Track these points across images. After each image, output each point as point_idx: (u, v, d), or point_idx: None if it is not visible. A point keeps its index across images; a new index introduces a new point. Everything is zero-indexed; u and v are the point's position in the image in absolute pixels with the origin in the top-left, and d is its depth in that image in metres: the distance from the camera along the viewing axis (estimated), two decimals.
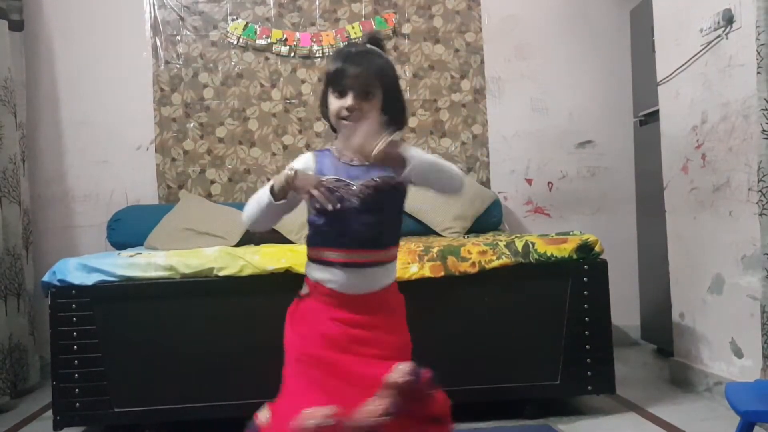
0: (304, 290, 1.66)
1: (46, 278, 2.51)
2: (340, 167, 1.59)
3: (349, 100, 1.55)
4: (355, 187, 1.55)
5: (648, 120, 3.60)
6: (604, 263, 2.63)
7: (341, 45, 3.90)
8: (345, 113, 1.56)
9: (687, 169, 2.96)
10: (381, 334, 1.59)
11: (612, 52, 4.03)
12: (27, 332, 3.41)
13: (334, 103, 1.59)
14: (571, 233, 2.75)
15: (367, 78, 1.56)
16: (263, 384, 2.51)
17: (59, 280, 2.49)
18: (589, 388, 2.61)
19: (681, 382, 3.00)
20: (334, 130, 1.64)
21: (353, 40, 1.68)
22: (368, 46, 1.65)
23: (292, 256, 2.53)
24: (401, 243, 2.78)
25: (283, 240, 3.28)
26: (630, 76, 3.92)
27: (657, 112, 3.26)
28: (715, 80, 2.73)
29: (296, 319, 1.65)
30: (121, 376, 2.48)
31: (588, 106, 4.05)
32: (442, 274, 2.53)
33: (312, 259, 1.63)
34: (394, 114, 1.62)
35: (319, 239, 1.61)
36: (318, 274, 1.60)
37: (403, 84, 3.95)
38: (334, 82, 1.58)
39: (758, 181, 2.43)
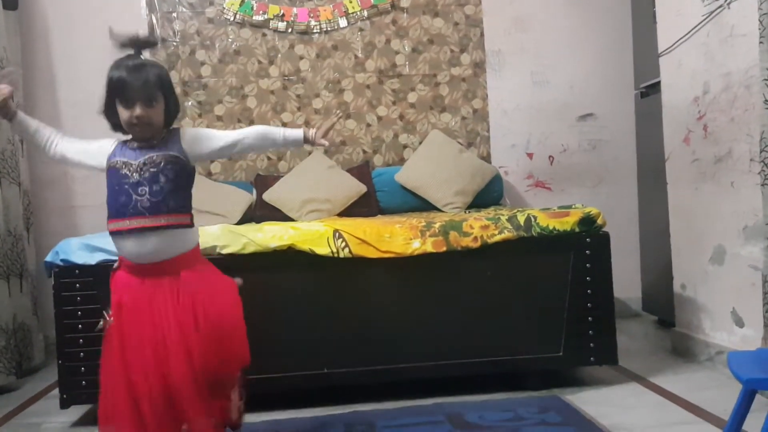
0: (115, 264, 1.91)
1: (48, 258, 2.52)
2: (127, 150, 1.85)
3: (138, 110, 1.78)
4: (134, 163, 1.81)
5: (649, 91, 3.58)
6: (606, 236, 2.63)
7: (339, 20, 3.88)
8: (135, 120, 1.79)
9: (689, 141, 2.96)
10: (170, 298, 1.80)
11: (613, 23, 4.00)
12: (30, 312, 3.42)
13: (124, 113, 1.81)
14: (573, 206, 2.75)
15: (149, 88, 1.78)
16: (266, 359, 2.54)
17: (62, 260, 2.49)
18: (592, 359, 2.63)
19: (682, 352, 3.02)
20: (119, 128, 1.88)
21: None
22: (143, 58, 1.86)
23: (294, 234, 2.53)
24: (403, 219, 2.80)
25: (285, 218, 3.29)
26: (631, 48, 3.89)
27: (658, 83, 3.24)
28: (717, 50, 2.71)
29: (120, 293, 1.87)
30: None
31: (589, 79, 4.02)
32: (444, 249, 2.54)
33: (110, 232, 1.85)
34: (173, 112, 1.89)
35: (109, 213, 1.84)
36: (117, 245, 1.85)
37: (402, 59, 3.93)
38: (120, 93, 1.79)
39: (760, 152, 2.42)
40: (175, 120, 1.92)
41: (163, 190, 1.79)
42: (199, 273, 1.88)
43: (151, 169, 1.80)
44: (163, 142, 1.85)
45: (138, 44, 1.86)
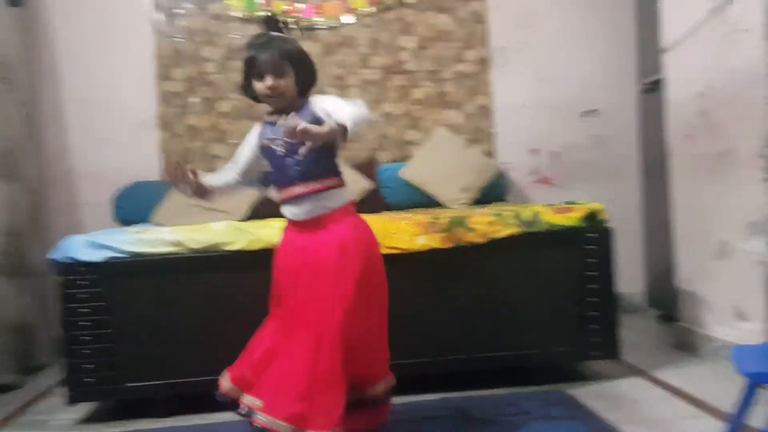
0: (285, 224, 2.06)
1: (54, 256, 2.52)
2: (271, 128, 1.96)
3: (268, 81, 1.90)
4: (279, 139, 1.92)
5: (653, 87, 3.58)
6: (611, 231, 2.64)
7: (343, 17, 3.88)
8: (268, 92, 1.92)
9: (692, 136, 2.96)
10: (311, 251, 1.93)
11: (617, 19, 3.99)
12: (36, 310, 3.43)
13: (258, 86, 1.93)
14: (577, 202, 2.76)
15: (278, 59, 1.90)
16: None
17: (67, 258, 2.50)
18: (596, 353, 2.64)
19: (686, 347, 3.03)
20: (258, 102, 2.00)
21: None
22: (272, 33, 1.97)
23: None
24: (408, 215, 2.81)
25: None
26: (635, 44, 3.89)
27: (662, 79, 3.24)
28: (721, 46, 2.71)
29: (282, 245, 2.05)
30: (131, 352, 2.51)
31: (593, 75, 4.02)
32: (450, 244, 2.54)
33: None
34: (306, 82, 1.97)
35: (271, 185, 2.03)
36: (283, 209, 2.00)
37: (407, 55, 3.93)
38: (252, 68, 1.93)
39: (764, 147, 2.43)
40: (310, 90, 1.99)
41: (307, 159, 1.91)
42: (347, 226, 1.96)
43: (295, 146, 1.90)
44: (300, 110, 1.93)
45: (268, 22, 2.01)
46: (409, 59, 3.95)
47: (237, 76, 3.75)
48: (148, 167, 3.84)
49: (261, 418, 1.82)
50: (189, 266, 2.53)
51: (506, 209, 2.76)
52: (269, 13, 1.97)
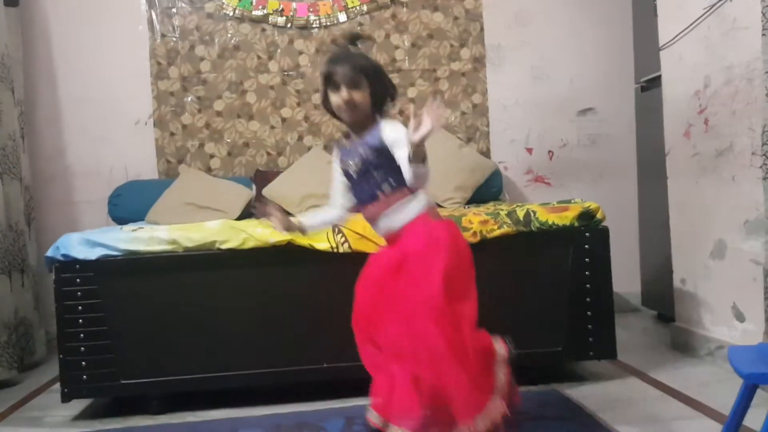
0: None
1: (49, 253, 2.52)
2: (346, 152, 2.04)
3: (344, 93, 1.94)
4: (352, 165, 2.00)
5: (650, 86, 3.58)
6: (606, 230, 2.63)
7: (338, 15, 3.88)
8: (344, 105, 1.95)
9: (689, 135, 2.95)
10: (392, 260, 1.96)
11: (613, 17, 3.99)
12: (32, 307, 3.43)
13: (334, 99, 1.98)
14: (572, 201, 2.75)
15: (353, 72, 1.94)
16: (266, 354, 2.55)
17: (63, 255, 2.49)
18: (591, 353, 2.64)
19: (682, 347, 3.02)
20: (338, 118, 2.05)
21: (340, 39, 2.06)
22: (349, 50, 2.03)
23: None
24: None
25: (284, 213, 3.28)
26: (632, 42, 3.89)
27: (659, 77, 3.24)
28: (719, 43, 2.70)
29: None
30: (126, 349, 2.50)
31: (589, 73, 4.02)
32: None
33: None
34: (381, 96, 2.01)
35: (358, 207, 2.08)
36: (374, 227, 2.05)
37: (401, 54, 3.93)
38: (329, 81, 1.98)
39: (762, 145, 2.42)
40: (385, 103, 2.04)
41: (378, 180, 1.97)
42: (418, 236, 1.95)
43: (365, 167, 1.98)
44: (368, 134, 1.99)
45: (348, 39, 2.05)
46: (403, 58, 3.94)
47: (231, 75, 3.84)
48: (144, 166, 3.84)
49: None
50: (183, 264, 2.52)
51: (500, 208, 2.75)
52: (351, 31, 2.08)
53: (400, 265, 1.91)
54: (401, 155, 1.89)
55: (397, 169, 1.94)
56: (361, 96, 1.95)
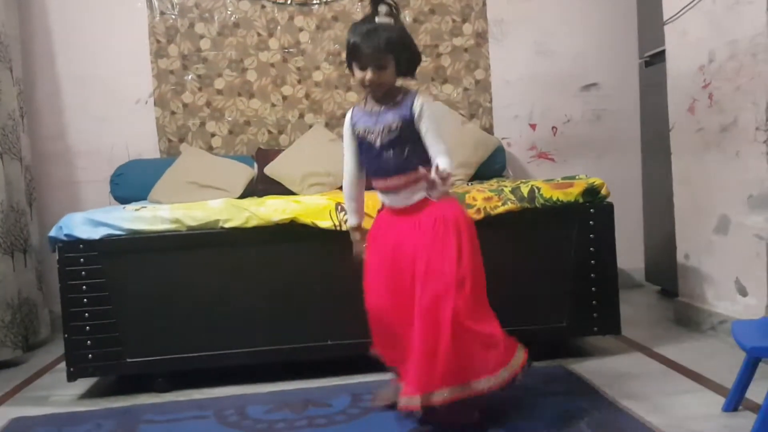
0: (380, 206, 2.16)
1: (52, 233, 2.52)
2: (366, 117, 2.04)
3: (369, 75, 1.94)
4: (375, 133, 2.00)
5: (654, 60, 3.54)
6: (611, 206, 2.62)
7: None
8: (368, 83, 1.95)
9: (693, 110, 2.93)
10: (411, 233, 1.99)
11: None
12: (35, 287, 3.44)
13: (358, 74, 1.98)
14: (576, 177, 2.74)
15: (379, 53, 1.92)
16: (269, 331, 2.56)
17: (66, 235, 2.49)
18: (595, 329, 2.64)
19: (686, 322, 3.03)
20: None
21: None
22: (377, 20, 1.96)
23: (296, 207, 2.53)
24: None
25: (286, 192, 3.28)
26: (635, 16, 3.84)
27: (663, 52, 3.21)
28: (723, 18, 2.67)
29: (375, 228, 2.14)
30: (131, 328, 2.51)
31: (593, 48, 3.98)
32: None
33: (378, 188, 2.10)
34: (407, 67, 2.01)
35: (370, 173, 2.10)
36: (379, 195, 2.10)
37: None
38: (354, 56, 1.97)
39: (766, 120, 2.41)
40: (414, 70, 2.04)
41: (404, 152, 1.97)
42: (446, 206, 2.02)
43: (390, 136, 1.97)
44: (401, 103, 1.99)
45: (377, 3, 1.99)
46: None
47: (231, 53, 3.81)
48: (145, 145, 3.82)
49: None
50: (187, 243, 2.52)
51: (504, 185, 2.75)
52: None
53: (434, 236, 1.94)
54: (429, 137, 1.95)
55: (422, 145, 1.98)
56: (387, 75, 1.96)
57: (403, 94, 2.01)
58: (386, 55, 1.93)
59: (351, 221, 2.23)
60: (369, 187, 2.18)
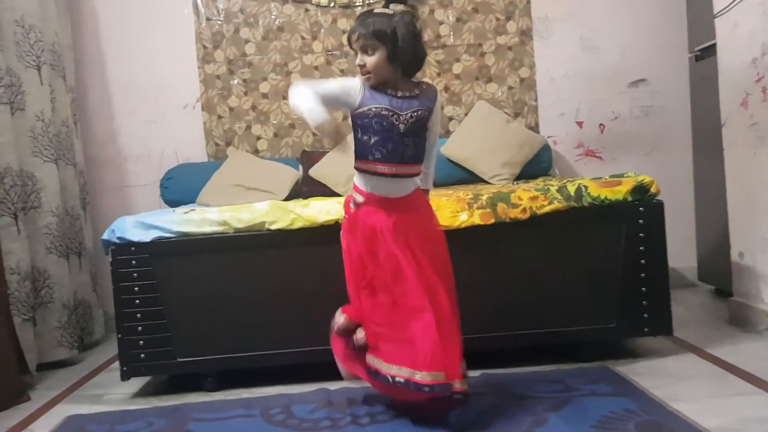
0: (360, 199, 2.07)
1: (105, 236, 2.58)
2: (384, 97, 1.99)
3: (357, 58, 1.99)
4: (402, 115, 1.97)
5: (704, 54, 3.45)
6: (661, 205, 2.56)
7: None
8: (358, 68, 2.00)
9: (746, 104, 2.84)
10: (414, 224, 2.05)
11: None
12: (90, 289, 3.54)
13: (356, 58, 2.01)
14: (625, 175, 2.68)
15: (365, 38, 1.94)
16: (314, 331, 2.57)
17: (118, 238, 2.56)
18: (646, 330, 2.58)
19: (740, 322, 2.94)
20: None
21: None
22: (380, 9, 1.99)
23: (340, 209, 2.54)
24: (449, 191, 2.79)
25: (331, 193, 3.30)
26: (685, 9, 3.75)
27: (714, 45, 3.12)
28: None
29: (355, 225, 2.07)
30: (182, 328, 2.56)
31: (640, 43, 3.89)
32: (493, 221, 2.51)
33: (364, 171, 2.04)
34: (406, 61, 1.98)
35: (370, 155, 2.00)
36: (371, 183, 2.03)
37: (446, 29, 3.88)
38: (350, 39, 2.01)
39: None
40: (416, 69, 2.03)
41: (422, 141, 2.03)
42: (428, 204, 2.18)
43: (417, 124, 2.00)
44: (425, 94, 2.03)
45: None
46: (447, 33, 3.89)
47: (276, 57, 3.85)
48: (193, 149, 3.90)
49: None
50: (234, 245, 2.56)
51: (551, 184, 2.71)
52: None
53: (426, 235, 2.05)
54: (433, 135, 2.06)
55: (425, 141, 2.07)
56: (373, 60, 1.96)
57: (420, 87, 2.05)
58: (373, 41, 1.94)
59: (321, 116, 1.94)
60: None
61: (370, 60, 1.96)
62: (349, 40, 2.02)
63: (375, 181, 2.03)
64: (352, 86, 2.03)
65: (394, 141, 1.98)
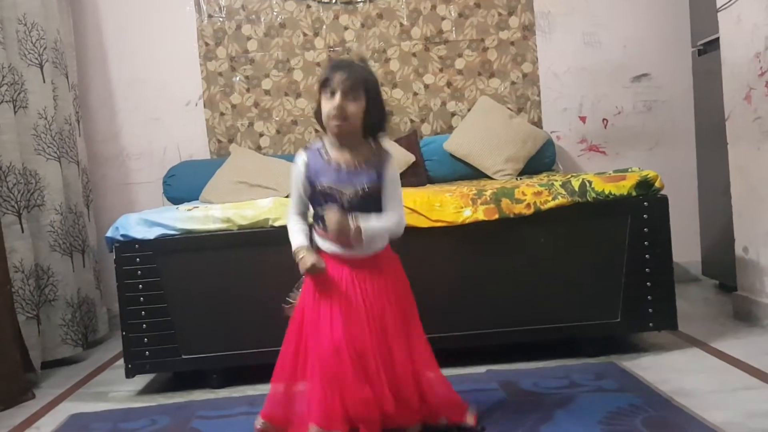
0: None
1: (109, 234, 2.58)
2: (331, 172, 1.89)
3: (337, 99, 1.81)
4: (346, 193, 1.87)
5: (707, 49, 3.44)
6: (665, 199, 2.56)
7: None
8: (334, 112, 1.82)
9: (750, 98, 2.83)
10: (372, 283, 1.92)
11: None
12: (93, 286, 3.54)
13: (326, 105, 1.85)
14: (629, 170, 2.68)
15: (352, 81, 1.82)
16: None
17: (122, 235, 2.56)
18: (651, 324, 2.58)
19: (744, 317, 2.94)
20: (325, 130, 1.92)
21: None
22: (354, 61, 1.91)
23: None
24: (453, 187, 2.78)
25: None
26: (687, 3, 3.74)
27: (717, 40, 3.11)
28: None
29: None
30: (186, 325, 2.56)
31: (643, 37, 3.88)
32: (497, 216, 2.50)
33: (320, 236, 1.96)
34: (376, 120, 1.89)
35: (319, 226, 1.94)
36: (327, 245, 1.94)
37: (448, 24, 3.87)
38: (325, 85, 1.85)
39: None
40: (378, 130, 1.92)
41: (369, 210, 1.89)
42: (393, 265, 2.00)
43: (364, 199, 1.88)
44: (373, 165, 1.90)
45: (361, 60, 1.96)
46: (449, 28, 3.88)
47: (278, 53, 3.85)
48: (196, 146, 3.90)
49: None
50: (238, 242, 2.56)
51: (554, 179, 2.70)
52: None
53: (392, 295, 1.93)
54: (389, 200, 1.90)
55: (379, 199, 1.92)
56: (354, 108, 1.83)
57: (374, 152, 1.92)
58: (358, 86, 1.83)
59: (300, 242, 1.97)
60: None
61: (353, 106, 1.83)
62: (325, 82, 1.85)
63: (327, 243, 1.94)
64: (298, 176, 1.94)
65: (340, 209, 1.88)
